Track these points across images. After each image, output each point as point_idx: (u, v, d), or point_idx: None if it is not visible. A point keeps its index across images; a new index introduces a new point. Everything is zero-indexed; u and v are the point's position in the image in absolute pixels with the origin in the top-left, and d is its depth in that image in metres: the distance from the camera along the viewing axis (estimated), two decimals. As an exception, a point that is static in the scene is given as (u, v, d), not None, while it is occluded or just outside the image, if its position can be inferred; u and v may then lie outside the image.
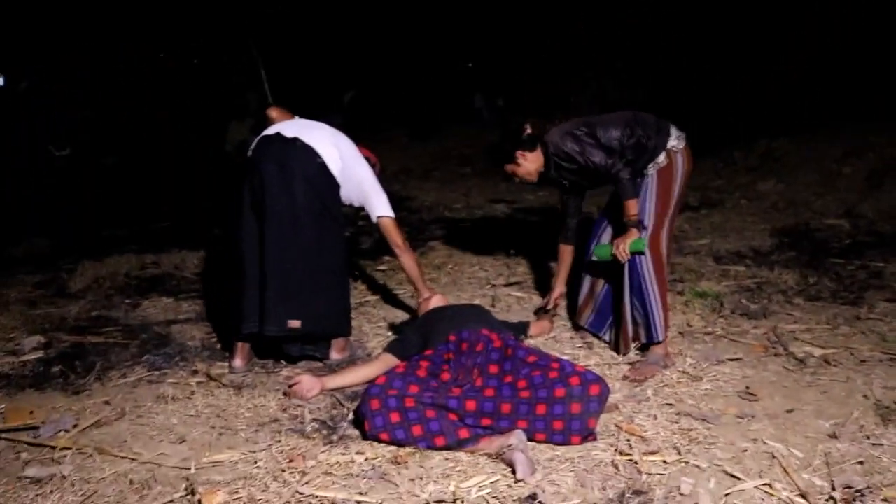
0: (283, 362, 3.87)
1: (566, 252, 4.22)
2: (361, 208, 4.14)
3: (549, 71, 13.52)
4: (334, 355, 3.92)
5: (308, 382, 3.44)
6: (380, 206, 4.05)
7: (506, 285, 5.14)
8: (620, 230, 3.69)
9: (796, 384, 3.41)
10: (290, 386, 3.46)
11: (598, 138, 3.73)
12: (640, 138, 3.72)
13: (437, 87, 14.19)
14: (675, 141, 3.77)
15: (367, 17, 15.15)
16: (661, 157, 3.73)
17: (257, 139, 3.88)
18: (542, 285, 4.94)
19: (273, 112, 4.13)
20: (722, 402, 3.24)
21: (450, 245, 6.22)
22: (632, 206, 3.63)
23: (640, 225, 3.63)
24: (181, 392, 3.49)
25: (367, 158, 4.11)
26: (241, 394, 3.48)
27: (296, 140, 3.75)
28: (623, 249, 3.62)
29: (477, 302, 4.81)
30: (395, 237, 4.09)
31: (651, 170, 3.72)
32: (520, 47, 14.04)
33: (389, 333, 4.31)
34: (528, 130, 3.91)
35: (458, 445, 2.87)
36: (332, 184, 3.81)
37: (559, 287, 4.27)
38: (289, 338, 3.74)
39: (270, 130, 3.87)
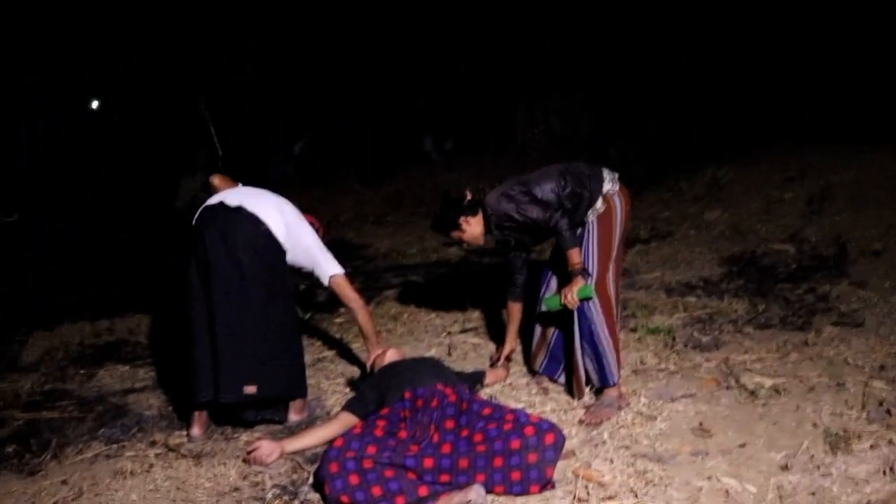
0: (242, 428, 3.85)
1: (515, 308, 4.29)
2: (311, 272, 4.16)
3: (496, 108, 13.70)
4: (293, 417, 3.92)
5: (267, 447, 3.43)
6: (329, 267, 4.10)
7: (461, 332, 5.18)
8: (566, 279, 3.77)
9: (748, 417, 3.48)
10: (249, 452, 3.45)
11: (533, 195, 3.82)
12: (575, 187, 3.81)
13: (387, 131, 14.26)
14: (610, 185, 3.87)
15: (312, 64, 15.24)
16: (599, 203, 3.82)
17: (200, 209, 3.89)
18: (497, 330, 4.98)
19: (216, 180, 4.16)
20: (677, 440, 3.29)
21: (405, 293, 6.24)
22: (574, 255, 3.70)
23: (584, 272, 3.70)
24: (140, 466, 3.45)
25: (311, 224, 4.14)
26: (201, 463, 3.46)
27: (239, 209, 3.77)
28: (571, 298, 3.69)
29: (433, 351, 4.84)
30: (349, 293, 4.14)
31: (591, 216, 3.81)
32: (468, 85, 14.21)
33: (347, 390, 4.31)
34: (469, 197, 4.03)
35: (418, 503, 2.89)
36: (277, 249, 3.83)
37: (510, 343, 4.33)
38: (245, 404, 3.73)
39: (213, 200, 3.88)
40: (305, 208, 4.23)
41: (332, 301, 6.01)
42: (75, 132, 13.20)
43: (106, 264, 8.50)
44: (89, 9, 12.39)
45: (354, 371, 4.60)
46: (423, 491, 2.90)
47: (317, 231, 4.15)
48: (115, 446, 3.75)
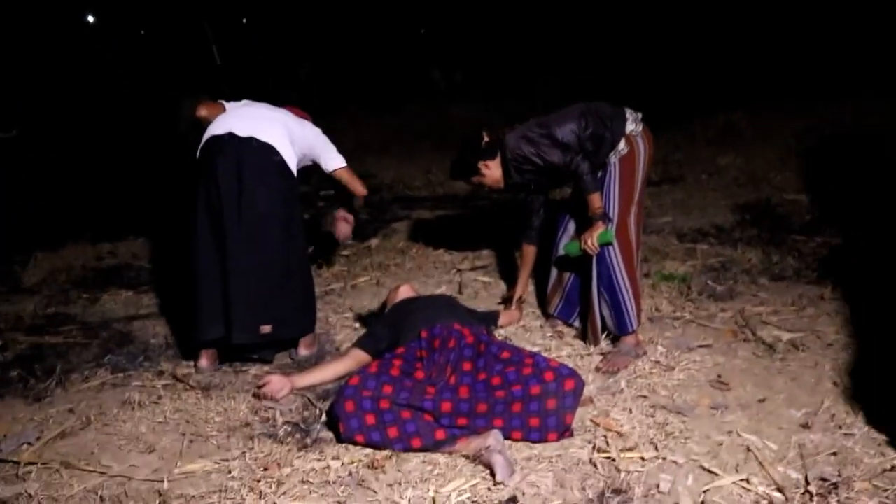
0: (251, 361, 3.79)
1: (530, 252, 4.19)
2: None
3: (507, 42, 13.43)
4: (302, 351, 3.86)
5: (277, 383, 3.38)
6: (332, 161, 4.06)
7: (471, 269, 5.10)
8: (586, 223, 3.67)
9: (766, 371, 3.43)
10: (259, 387, 3.40)
11: (553, 136, 3.69)
12: (596, 128, 3.69)
13: (394, 60, 14.00)
14: (633, 125, 3.74)
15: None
16: (622, 145, 3.70)
17: (206, 137, 3.70)
18: (507, 269, 4.92)
19: (203, 110, 3.84)
20: (695, 392, 3.25)
21: (412, 227, 6.16)
22: (595, 200, 3.61)
23: (605, 217, 3.61)
24: (148, 397, 3.41)
25: (305, 119, 4.07)
26: (210, 396, 3.41)
27: (251, 140, 3.62)
28: (591, 244, 3.60)
29: (443, 288, 4.77)
30: (355, 184, 4.15)
31: (613, 158, 3.70)
32: (479, 17, 13.92)
33: (357, 325, 4.25)
34: (486, 139, 3.88)
35: (435, 447, 2.85)
36: (291, 181, 3.72)
37: (522, 286, 4.24)
38: (256, 344, 3.66)
39: (219, 128, 3.68)
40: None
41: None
42: (72, 48, 12.93)
43: (107, 185, 8.37)
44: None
45: (363, 305, 4.54)
46: (440, 434, 2.85)
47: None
48: (121, 375, 3.70)
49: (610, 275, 3.66)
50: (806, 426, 2.94)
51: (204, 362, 3.70)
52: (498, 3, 13.58)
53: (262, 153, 3.62)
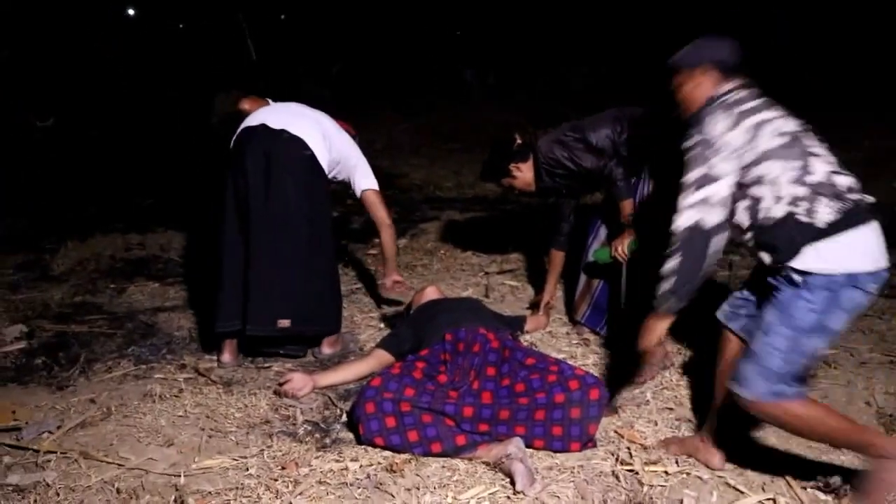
0: (274, 358, 3.77)
1: (558, 257, 4.14)
2: (349, 186, 4.03)
3: (540, 46, 13.38)
4: (325, 350, 3.84)
5: (299, 380, 3.35)
6: (364, 180, 3.98)
7: (499, 273, 5.06)
8: (617, 230, 3.62)
9: (797, 388, 3.35)
10: (280, 384, 3.37)
11: (588, 141, 3.64)
12: (631, 132, 3.63)
13: (427, 60, 13.99)
14: None
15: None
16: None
17: (240, 129, 3.71)
18: (536, 274, 4.87)
19: (246, 104, 3.88)
20: (722, 406, 3.18)
21: (441, 228, 6.13)
22: (627, 206, 3.55)
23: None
24: (169, 389, 3.39)
25: (347, 131, 4.01)
26: (231, 391, 3.39)
27: (282, 132, 3.61)
28: (622, 251, 3.55)
29: (470, 291, 4.73)
30: (380, 211, 4.01)
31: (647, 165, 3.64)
32: (513, 20, 13.88)
33: (381, 325, 4.23)
34: (518, 141, 3.84)
35: (455, 452, 2.81)
36: (321, 177, 3.69)
37: (549, 292, 4.19)
38: (274, 338, 3.64)
39: (253, 120, 3.69)
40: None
41: (366, 231, 5.94)
42: (110, 39, 13.05)
43: (139, 176, 8.43)
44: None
45: (388, 305, 4.51)
46: (461, 440, 2.81)
47: (353, 138, 4.02)
48: (143, 367, 3.69)
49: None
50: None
51: (227, 356, 3.69)
52: (531, 4, 13.53)
53: (292, 146, 3.60)
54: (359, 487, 2.63)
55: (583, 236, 4.00)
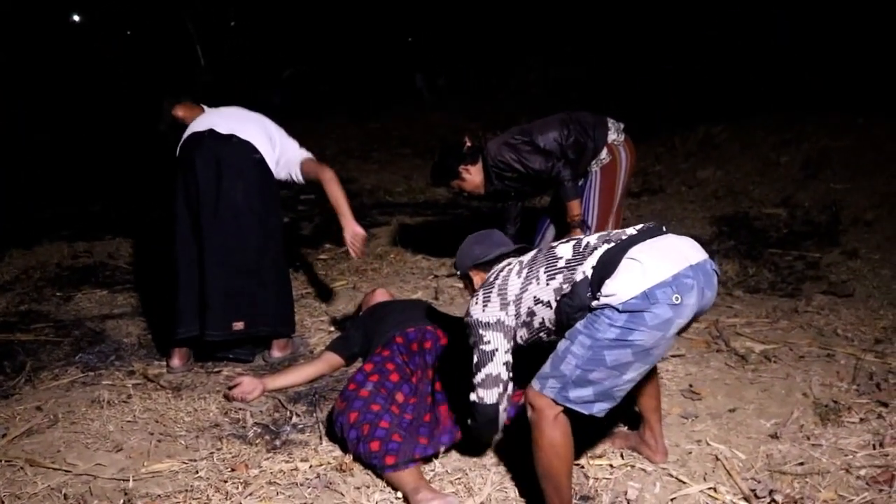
0: (223, 362, 3.77)
1: None
2: (292, 186, 4.03)
3: (491, 49, 13.47)
4: (276, 353, 3.84)
5: (249, 384, 3.36)
6: (299, 152, 3.93)
7: (448, 276, 5.09)
8: (564, 229, 3.68)
9: (738, 381, 3.45)
10: (230, 388, 3.38)
11: (536, 144, 3.71)
12: (579, 136, 3.70)
13: (378, 65, 14.01)
14: (615, 134, 3.77)
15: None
16: (604, 154, 3.73)
17: (187, 135, 3.71)
18: (486, 277, 4.91)
19: (180, 111, 3.89)
20: (666, 401, 3.24)
21: (392, 233, 6.16)
22: (574, 207, 3.62)
23: (583, 225, 3.62)
24: (117, 395, 3.37)
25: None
26: (181, 396, 3.38)
27: (231, 137, 3.62)
28: None
29: (419, 293, 4.77)
30: (321, 169, 3.87)
31: (594, 167, 3.72)
32: (462, 23, 13.96)
33: (332, 328, 4.24)
34: (468, 144, 3.89)
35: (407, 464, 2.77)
36: (270, 181, 3.71)
37: None
38: (227, 342, 3.64)
39: (200, 126, 3.69)
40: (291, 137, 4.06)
41: (316, 236, 5.94)
42: (56, 45, 12.85)
43: (86, 181, 8.31)
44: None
45: (338, 309, 4.53)
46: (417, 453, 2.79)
47: None
48: (91, 374, 3.66)
49: None
50: (775, 436, 2.95)
51: (176, 361, 3.68)
52: (483, 10, 13.64)
53: (241, 150, 3.62)
54: (309, 487, 2.65)
55: (531, 236, 4.06)
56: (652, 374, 2.74)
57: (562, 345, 2.34)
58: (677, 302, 2.22)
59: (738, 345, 3.83)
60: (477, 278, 2.82)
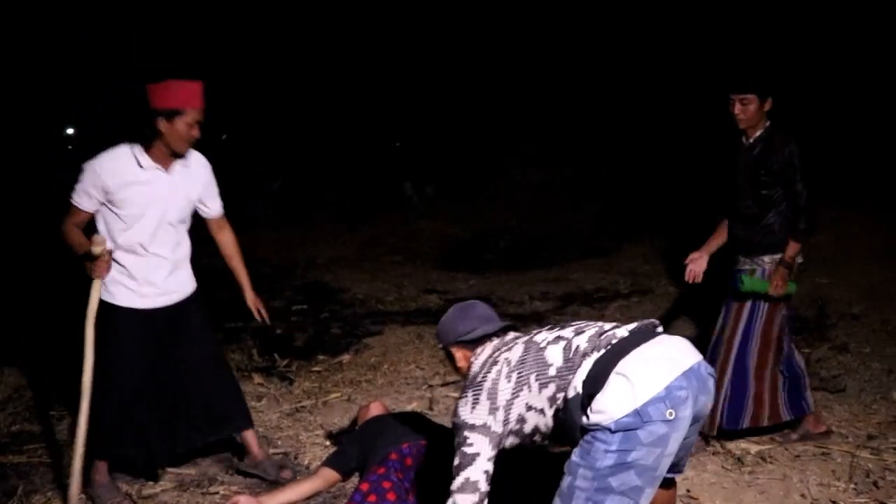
0: (219, 481, 3.74)
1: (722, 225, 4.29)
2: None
3: (474, 156, 13.79)
4: (258, 457, 3.80)
5: (246, 503, 3.33)
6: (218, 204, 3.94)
7: (443, 385, 5.12)
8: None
9: (735, 485, 3.45)
10: (227, 508, 3.35)
11: None
12: None
13: (367, 174, 14.28)
14: None
15: (294, 103, 15.30)
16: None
17: None
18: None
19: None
20: (665, 508, 3.24)
21: (384, 342, 6.17)
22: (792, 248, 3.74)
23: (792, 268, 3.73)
24: (113, 519, 3.34)
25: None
26: (176, 518, 3.35)
27: None
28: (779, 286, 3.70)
29: (414, 405, 4.77)
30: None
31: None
32: (444, 130, 14.32)
33: (328, 443, 4.22)
34: None
35: None
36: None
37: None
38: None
39: None
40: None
41: (310, 346, 5.97)
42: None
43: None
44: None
45: (334, 422, 4.51)
46: None
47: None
48: (83, 496, 3.62)
49: None
50: (775, 540, 2.94)
51: (100, 478, 3.60)
52: (461, 116, 14.02)
53: None
54: None
55: None
56: (671, 487, 2.72)
57: (565, 482, 2.33)
58: (671, 417, 2.22)
59: (734, 446, 3.84)
60: (459, 354, 2.82)
